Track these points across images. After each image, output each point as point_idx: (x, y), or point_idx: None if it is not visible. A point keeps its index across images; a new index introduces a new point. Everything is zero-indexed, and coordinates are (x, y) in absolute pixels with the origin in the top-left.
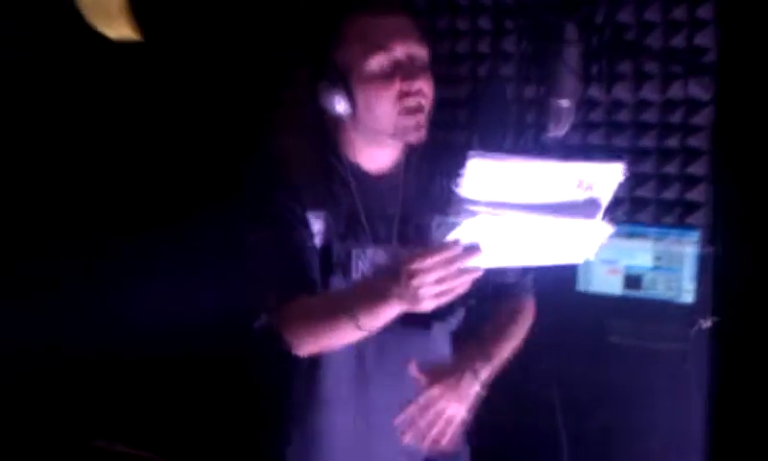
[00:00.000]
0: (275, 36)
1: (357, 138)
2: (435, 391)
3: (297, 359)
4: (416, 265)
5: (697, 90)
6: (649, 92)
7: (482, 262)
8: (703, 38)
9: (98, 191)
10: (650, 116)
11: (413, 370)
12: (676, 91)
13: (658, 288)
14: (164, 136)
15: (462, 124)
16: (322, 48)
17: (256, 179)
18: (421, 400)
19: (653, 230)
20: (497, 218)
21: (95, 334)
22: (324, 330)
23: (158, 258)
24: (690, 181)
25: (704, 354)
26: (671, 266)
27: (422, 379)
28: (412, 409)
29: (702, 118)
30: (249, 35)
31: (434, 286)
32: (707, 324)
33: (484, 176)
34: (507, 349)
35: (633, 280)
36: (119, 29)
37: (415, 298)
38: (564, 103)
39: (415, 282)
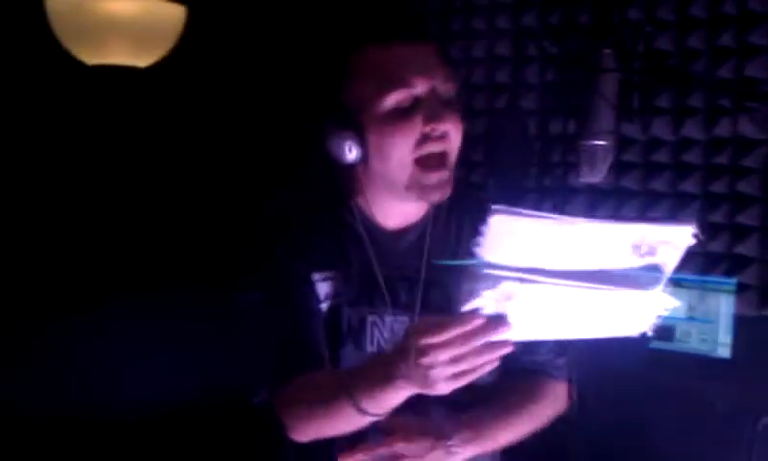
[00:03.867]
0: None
1: (371, 188)
2: (398, 445)
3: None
4: (427, 340)
5: (748, 128)
6: (693, 130)
7: (511, 336)
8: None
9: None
10: (693, 157)
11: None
12: (723, 128)
13: (691, 341)
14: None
15: (478, 164)
16: (328, 85)
17: (253, 232)
18: (381, 449)
19: (686, 277)
20: (527, 287)
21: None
22: (323, 414)
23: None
24: (740, 232)
25: None
26: (706, 317)
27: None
28: (364, 452)
29: (753, 160)
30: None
31: (450, 366)
32: None
33: (509, 235)
34: (507, 434)
35: (664, 332)
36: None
37: (426, 379)
38: (601, 142)
39: (426, 361)
